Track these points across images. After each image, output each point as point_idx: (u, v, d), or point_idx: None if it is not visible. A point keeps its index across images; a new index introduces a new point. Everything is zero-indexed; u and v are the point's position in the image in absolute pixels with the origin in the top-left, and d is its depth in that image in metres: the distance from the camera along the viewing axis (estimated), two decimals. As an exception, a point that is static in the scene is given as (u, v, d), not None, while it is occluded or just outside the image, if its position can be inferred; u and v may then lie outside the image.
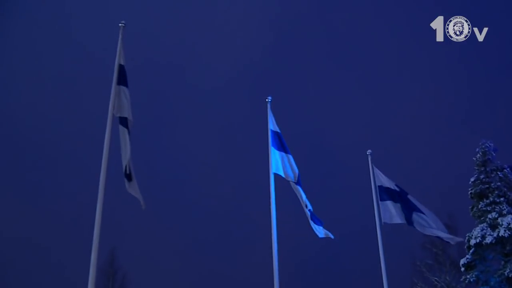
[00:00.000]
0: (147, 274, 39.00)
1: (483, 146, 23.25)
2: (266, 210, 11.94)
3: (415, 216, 14.24)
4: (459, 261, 22.44)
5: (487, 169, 22.78)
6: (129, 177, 9.79)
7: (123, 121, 10.24)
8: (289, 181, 12.61)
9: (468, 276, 21.58)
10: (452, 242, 15.26)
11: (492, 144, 23.34)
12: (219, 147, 59.63)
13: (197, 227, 51.08)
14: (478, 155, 23.22)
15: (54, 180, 51.77)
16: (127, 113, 10.29)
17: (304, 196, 12.39)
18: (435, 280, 25.73)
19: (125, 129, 10.16)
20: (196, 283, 40.62)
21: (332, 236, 12.18)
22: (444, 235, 14.67)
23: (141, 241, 44.49)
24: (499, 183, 22.25)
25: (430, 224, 14.26)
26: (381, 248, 13.97)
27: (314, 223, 12.17)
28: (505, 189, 22.17)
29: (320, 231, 12.19)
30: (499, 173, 22.51)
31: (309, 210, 12.25)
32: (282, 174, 12.45)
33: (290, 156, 12.68)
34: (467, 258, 21.75)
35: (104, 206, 9.39)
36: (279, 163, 12.46)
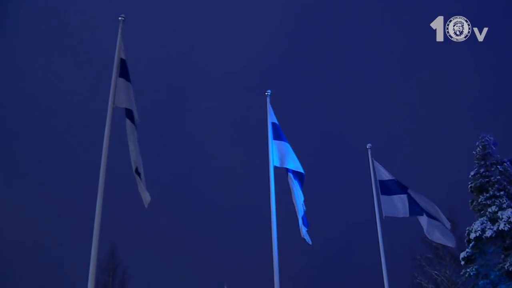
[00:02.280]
0: (148, 269, 39.04)
1: (483, 140, 23.19)
2: (268, 204, 11.92)
3: (423, 205, 14.18)
4: (459, 255, 22.43)
5: (487, 163, 22.73)
6: (139, 175, 9.76)
7: (129, 114, 10.19)
8: (288, 175, 12.52)
9: (468, 270, 21.57)
10: (450, 244, 15.05)
11: (492, 138, 23.27)
12: (220, 141, 59.63)
13: (198, 222, 51.16)
14: (478, 149, 23.17)
15: (54, 175, 51.78)
16: (131, 106, 10.23)
17: (302, 198, 12.27)
18: (435, 274, 25.77)
19: (132, 124, 10.11)
20: (197, 278, 40.69)
21: (309, 242, 12.06)
22: (443, 234, 14.46)
23: (141, 236, 44.57)
24: (499, 177, 22.21)
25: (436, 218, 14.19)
26: (381, 242, 13.92)
27: (303, 222, 12.09)
28: (505, 183, 22.13)
29: (303, 231, 12.09)
30: (499, 166, 22.47)
31: (304, 210, 12.17)
32: (278, 164, 12.37)
33: (288, 145, 12.64)
34: (467, 252, 21.74)
35: (104, 201, 9.33)
36: (277, 153, 12.41)
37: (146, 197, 9.71)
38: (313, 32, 64.59)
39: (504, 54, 51.02)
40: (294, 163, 12.47)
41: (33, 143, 54.10)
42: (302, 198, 12.23)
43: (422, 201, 14.25)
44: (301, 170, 12.46)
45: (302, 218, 12.04)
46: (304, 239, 11.94)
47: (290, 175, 12.42)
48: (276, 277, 11.14)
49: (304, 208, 12.17)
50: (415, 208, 14.21)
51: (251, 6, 62.13)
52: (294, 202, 12.24)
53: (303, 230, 11.93)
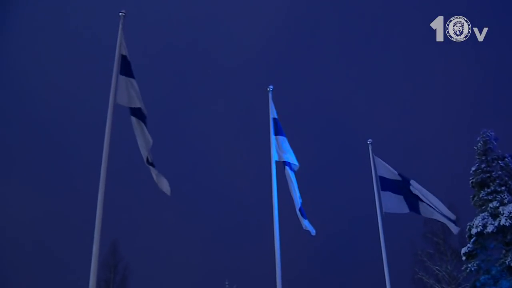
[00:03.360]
0: (149, 266, 39.10)
1: (484, 135, 23.16)
2: (269, 199, 11.93)
3: (420, 203, 14.17)
4: (460, 250, 22.46)
5: (488, 158, 22.71)
6: (152, 165, 9.86)
7: (136, 112, 10.16)
8: (285, 168, 12.54)
9: (469, 265, 21.60)
10: (454, 231, 15.13)
11: (493, 133, 23.24)
12: (221, 136, 59.64)
13: (199, 218, 51.18)
14: (479, 144, 23.13)
15: (55, 172, 51.82)
16: (138, 104, 10.20)
17: (297, 189, 12.30)
18: (436, 269, 25.80)
19: (140, 120, 10.10)
20: (198, 274, 40.75)
21: (313, 233, 12.08)
22: (448, 222, 14.49)
23: (142, 233, 44.61)
24: (500, 172, 22.19)
25: (437, 209, 14.17)
26: (382, 237, 13.93)
27: (302, 214, 12.13)
28: (506, 178, 22.12)
29: (306, 224, 12.12)
30: (500, 162, 22.45)
31: (300, 202, 12.21)
32: (278, 158, 12.41)
33: (285, 139, 12.68)
34: (468, 247, 21.75)
35: (105, 197, 9.34)
36: (278, 148, 12.46)
37: (165, 187, 9.86)
38: (315, 29, 64.54)
39: (504, 54, 50.97)
40: (290, 156, 12.52)
41: (34, 141, 54.14)
42: (298, 191, 12.29)
43: (425, 198, 14.20)
44: (296, 162, 12.50)
45: (300, 209, 12.08)
46: (308, 231, 11.96)
47: (287, 168, 12.47)
48: (278, 272, 11.16)
49: (301, 200, 12.22)
50: (413, 208, 14.23)
51: (253, 1, 62.12)
52: (291, 194, 12.28)
53: (304, 222, 11.97)
